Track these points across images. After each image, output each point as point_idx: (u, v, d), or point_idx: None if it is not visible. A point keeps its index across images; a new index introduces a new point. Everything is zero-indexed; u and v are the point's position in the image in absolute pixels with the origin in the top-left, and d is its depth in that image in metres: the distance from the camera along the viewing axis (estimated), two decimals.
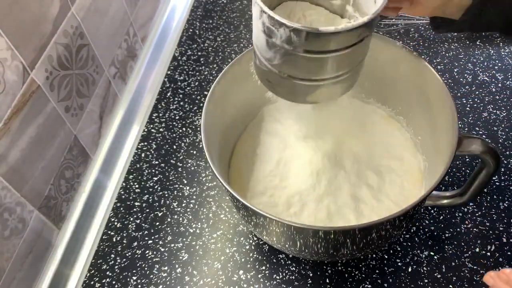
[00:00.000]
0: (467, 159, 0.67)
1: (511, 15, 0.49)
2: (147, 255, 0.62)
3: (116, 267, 0.61)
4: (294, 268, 0.59)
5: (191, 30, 0.89)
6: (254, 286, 0.58)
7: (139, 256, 0.62)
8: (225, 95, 0.57)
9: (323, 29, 0.38)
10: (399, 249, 0.60)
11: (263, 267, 0.60)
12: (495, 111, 0.72)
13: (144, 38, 0.85)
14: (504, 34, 0.74)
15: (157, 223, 0.65)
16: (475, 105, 0.73)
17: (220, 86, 0.56)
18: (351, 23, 0.38)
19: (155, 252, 0.62)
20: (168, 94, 0.79)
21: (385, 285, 0.57)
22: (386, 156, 0.60)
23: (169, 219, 0.65)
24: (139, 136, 0.74)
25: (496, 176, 0.65)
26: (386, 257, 0.59)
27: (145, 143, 0.73)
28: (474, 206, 0.62)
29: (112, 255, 0.62)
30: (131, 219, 0.65)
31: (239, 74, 0.57)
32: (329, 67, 0.43)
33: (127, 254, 0.62)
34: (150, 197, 0.67)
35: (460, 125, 0.69)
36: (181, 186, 0.68)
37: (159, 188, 0.68)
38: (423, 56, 0.57)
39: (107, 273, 0.61)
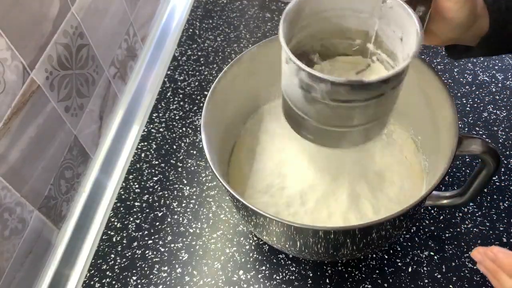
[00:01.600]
0: (467, 159, 0.67)
1: None
2: (147, 255, 0.62)
3: (116, 267, 0.61)
4: (294, 268, 0.59)
5: (191, 30, 0.89)
6: (254, 286, 0.58)
7: (139, 256, 0.62)
8: (225, 95, 0.57)
9: (368, 80, 0.38)
10: (399, 249, 0.60)
11: (263, 267, 0.60)
12: (495, 111, 0.72)
13: (144, 38, 0.86)
14: None
15: (157, 223, 0.65)
16: (475, 105, 0.73)
17: (220, 86, 0.56)
18: (394, 69, 0.38)
19: (155, 252, 0.62)
20: (168, 94, 0.79)
21: (385, 285, 0.57)
22: (386, 156, 0.60)
23: (169, 219, 0.65)
24: (139, 136, 0.74)
25: (496, 176, 0.65)
26: (386, 257, 0.59)
27: (145, 143, 0.73)
28: (474, 206, 0.62)
29: (112, 255, 0.62)
30: (131, 219, 0.65)
31: (239, 74, 0.57)
32: (369, 111, 0.42)
33: (127, 254, 0.62)
34: (150, 197, 0.67)
35: (460, 125, 0.69)
36: (181, 186, 0.68)
37: (159, 188, 0.68)
38: (423, 56, 0.57)
39: (107, 273, 0.61)
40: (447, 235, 0.60)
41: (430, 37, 0.46)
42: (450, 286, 0.56)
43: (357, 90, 0.39)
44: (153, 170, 0.70)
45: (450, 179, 0.65)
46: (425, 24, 0.44)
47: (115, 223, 0.65)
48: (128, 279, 0.60)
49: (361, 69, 0.49)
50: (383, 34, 0.46)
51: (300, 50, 0.48)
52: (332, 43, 0.49)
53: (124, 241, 0.63)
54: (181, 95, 0.79)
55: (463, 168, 0.66)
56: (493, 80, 0.75)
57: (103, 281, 0.60)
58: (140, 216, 0.65)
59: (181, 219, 0.65)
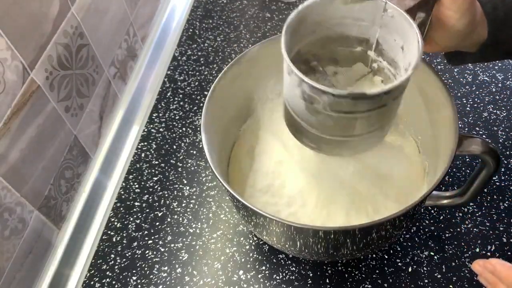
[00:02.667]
0: (467, 159, 0.67)
1: None
2: (147, 255, 0.62)
3: (116, 267, 0.61)
4: (294, 268, 0.59)
5: (191, 30, 0.89)
6: (254, 286, 0.58)
7: (139, 256, 0.62)
8: (225, 95, 0.57)
9: (370, 92, 0.38)
10: (399, 249, 0.60)
11: (263, 267, 0.60)
12: (495, 111, 0.72)
13: (144, 38, 0.86)
14: None
15: (157, 223, 0.65)
16: (475, 105, 0.73)
17: (220, 86, 0.56)
18: (396, 81, 0.39)
19: (155, 252, 0.62)
20: (168, 94, 0.79)
21: (385, 285, 0.57)
22: (386, 156, 0.60)
23: (169, 219, 0.65)
24: (139, 136, 0.74)
25: (496, 176, 0.65)
26: (386, 257, 0.59)
27: (145, 143, 0.73)
28: (474, 206, 0.62)
29: (112, 255, 0.62)
30: (131, 219, 0.65)
31: (239, 74, 0.57)
32: (371, 121, 0.43)
33: (127, 254, 0.62)
34: (150, 197, 0.67)
35: (460, 125, 0.69)
36: (181, 186, 0.68)
37: (159, 188, 0.68)
38: (423, 56, 0.56)
39: (107, 273, 0.61)
40: (447, 235, 0.60)
41: (430, 45, 0.47)
42: (450, 286, 0.56)
43: (359, 101, 0.39)
44: (153, 170, 0.70)
45: (450, 179, 0.65)
46: (425, 32, 0.44)
47: (115, 223, 0.65)
48: (128, 279, 0.60)
49: (361, 76, 0.50)
50: (385, 42, 0.46)
51: (301, 58, 0.48)
52: (333, 50, 0.49)
53: (124, 241, 0.63)
54: (181, 95, 0.79)
55: (463, 168, 0.66)
56: (493, 80, 0.75)
57: (103, 281, 0.60)
58: (140, 216, 0.65)
59: (181, 219, 0.65)
